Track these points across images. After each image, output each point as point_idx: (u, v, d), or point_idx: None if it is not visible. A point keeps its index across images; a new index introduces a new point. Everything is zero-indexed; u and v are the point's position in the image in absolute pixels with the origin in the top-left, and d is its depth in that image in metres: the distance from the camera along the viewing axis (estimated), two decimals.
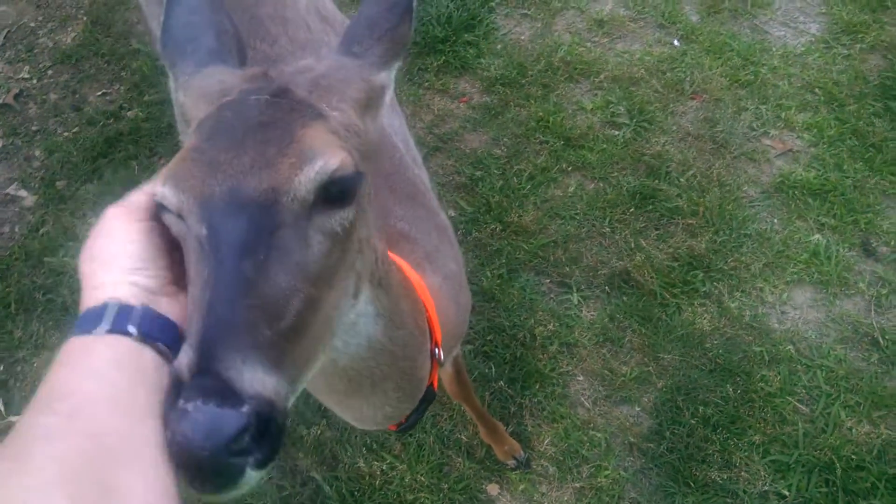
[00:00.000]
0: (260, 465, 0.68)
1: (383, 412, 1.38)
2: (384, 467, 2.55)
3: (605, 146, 3.30)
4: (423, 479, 2.52)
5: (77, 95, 3.76)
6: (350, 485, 2.52)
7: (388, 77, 1.06)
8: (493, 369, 2.72)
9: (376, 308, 1.11)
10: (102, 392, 0.71)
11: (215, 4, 1.13)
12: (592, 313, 2.85)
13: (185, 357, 0.72)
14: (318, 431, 2.64)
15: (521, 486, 2.50)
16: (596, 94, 3.53)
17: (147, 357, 0.77)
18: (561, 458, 2.54)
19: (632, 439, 2.57)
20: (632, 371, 2.69)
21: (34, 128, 3.66)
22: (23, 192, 3.44)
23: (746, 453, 2.50)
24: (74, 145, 3.54)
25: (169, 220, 0.86)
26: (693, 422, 2.57)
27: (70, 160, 3.49)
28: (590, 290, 2.91)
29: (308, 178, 0.82)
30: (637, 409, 2.64)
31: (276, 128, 0.86)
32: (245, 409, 0.67)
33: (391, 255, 1.28)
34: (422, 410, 1.52)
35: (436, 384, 1.52)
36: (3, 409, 2.85)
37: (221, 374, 0.68)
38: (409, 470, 2.54)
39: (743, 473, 2.47)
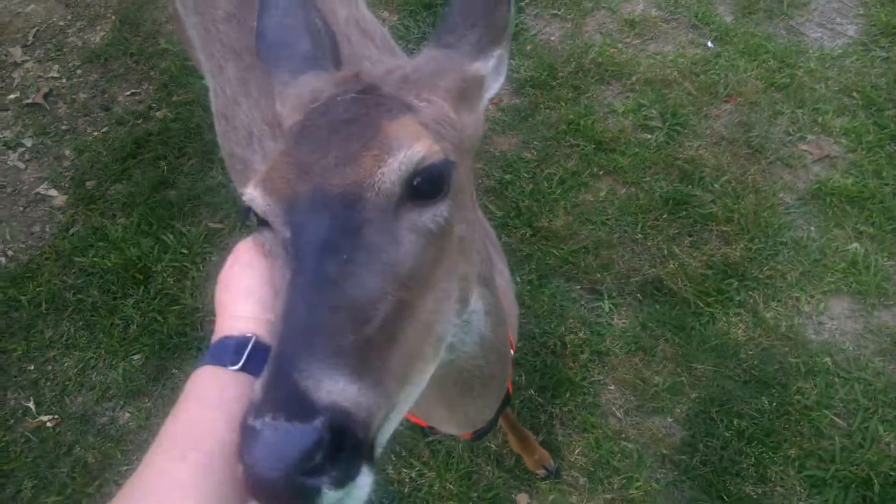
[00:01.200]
0: (338, 484, 0.61)
1: (483, 414, 1.38)
2: (413, 474, 2.54)
3: (637, 150, 3.25)
4: (451, 486, 2.50)
5: (106, 95, 3.77)
6: (378, 491, 2.51)
7: (485, 66, 1.01)
8: (523, 377, 2.69)
9: (484, 306, 1.08)
10: (233, 438, 0.68)
11: (308, 4, 1.12)
12: (624, 321, 2.81)
13: (265, 371, 0.67)
14: None
15: (551, 497, 2.47)
16: (628, 97, 3.48)
17: None
18: (592, 469, 2.51)
19: (664, 451, 2.53)
20: (664, 381, 2.65)
21: (64, 127, 3.67)
22: (53, 192, 3.45)
23: (782, 467, 2.45)
24: (104, 145, 3.55)
25: (262, 237, 0.84)
26: (727, 434, 2.52)
27: (99, 160, 3.50)
28: (621, 297, 2.87)
29: (392, 168, 0.79)
30: (670, 420, 2.60)
31: (361, 123, 0.84)
32: (318, 421, 0.61)
33: None
34: (497, 416, 1.51)
35: (511, 388, 1.51)
36: (34, 408, 2.87)
37: (298, 382, 0.63)
38: (437, 477, 2.52)
39: (778, 488, 2.42)
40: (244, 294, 0.83)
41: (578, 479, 2.50)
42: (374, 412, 0.67)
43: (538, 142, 3.34)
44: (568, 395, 2.65)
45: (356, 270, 0.73)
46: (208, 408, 0.72)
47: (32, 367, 2.96)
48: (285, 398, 0.63)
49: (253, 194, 0.83)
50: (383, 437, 0.72)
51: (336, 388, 0.64)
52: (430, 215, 0.82)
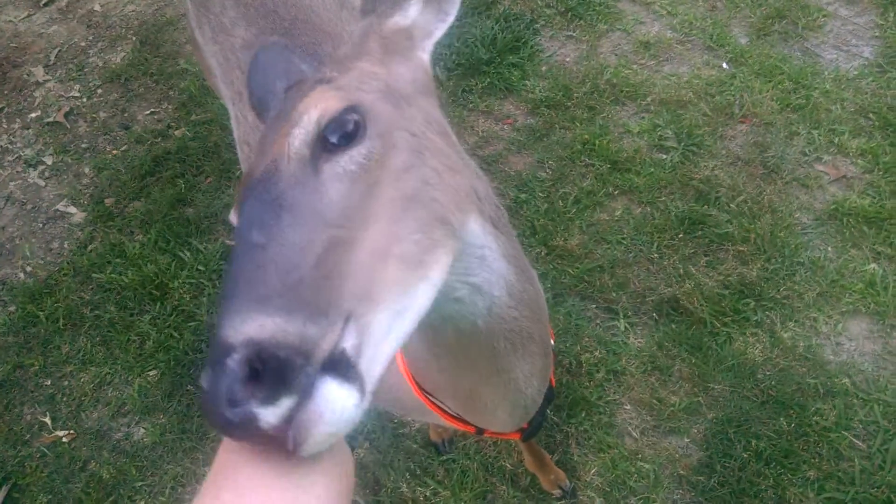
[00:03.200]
0: (267, 400, 0.66)
1: (531, 388, 1.38)
2: (427, 493, 2.52)
3: (652, 170, 3.25)
4: None
5: (126, 114, 3.82)
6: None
7: (403, 18, 1.07)
8: None
9: (499, 248, 1.09)
10: None
11: (290, 58, 1.22)
12: (640, 341, 2.80)
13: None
14: (361, 454, 2.62)
15: None
16: (643, 117, 3.49)
17: None
18: (608, 489, 2.49)
19: (681, 472, 2.51)
20: (681, 401, 2.63)
21: (84, 145, 3.72)
22: (72, 209, 3.49)
23: (801, 489, 2.42)
24: (123, 163, 3.59)
25: None
26: (745, 455, 2.50)
27: (118, 178, 3.54)
28: (637, 316, 2.86)
29: (296, 136, 0.85)
30: (686, 440, 2.58)
31: (283, 115, 0.92)
32: (229, 359, 0.66)
33: None
34: (544, 411, 1.52)
35: (553, 381, 1.50)
36: (50, 423, 2.88)
37: (219, 336, 0.69)
38: (452, 496, 2.50)
39: None
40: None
41: (594, 499, 2.48)
42: (315, 335, 0.71)
43: (553, 161, 3.35)
44: (584, 415, 2.64)
45: (280, 230, 0.78)
46: None
47: (49, 383, 2.98)
48: (210, 355, 0.69)
49: (231, 218, 0.92)
50: (370, 351, 0.75)
51: (251, 327, 0.69)
52: (347, 158, 0.86)
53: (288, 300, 0.72)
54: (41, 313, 3.13)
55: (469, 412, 1.46)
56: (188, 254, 3.19)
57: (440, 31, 1.09)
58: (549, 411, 2.63)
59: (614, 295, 2.92)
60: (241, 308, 0.70)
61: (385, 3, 1.07)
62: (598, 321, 2.87)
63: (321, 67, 1.05)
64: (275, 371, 0.67)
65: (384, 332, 0.79)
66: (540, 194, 3.23)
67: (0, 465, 2.79)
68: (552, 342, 1.45)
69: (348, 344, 0.73)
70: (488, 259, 1.07)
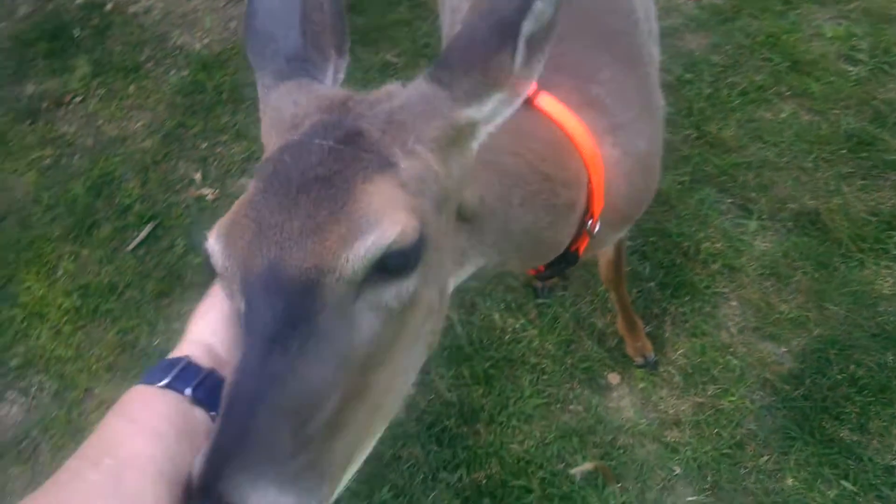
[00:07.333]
0: None
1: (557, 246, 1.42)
2: (517, 326, 2.64)
3: (833, 79, 3.04)
4: (550, 347, 2.58)
5: None
6: (481, 333, 2.63)
7: (479, 112, 0.89)
8: (648, 270, 2.70)
9: (479, 258, 1.09)
10: (149, 450, 0.69)
11: None
12: (766, 244, 2.73)
13: (198, 463, 0.66)
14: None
15: (642, 385, 2.51)
16: (840, 23, 3.23)
17: (198, 418, 0.75)
18: (690, 372, 2.52)
19: (768, 375, 2.49)
20: (790, 311, 2.58)
21: None
22: None
23: (886, 424, 2.36)
24: None
25: (220, 284, 0.82)
26: (839, 377, 2.45)
27: None
28: (771, 221, 2.78)
29: (357, 255, 0.72)
30: (783, 349, 2.54)
31: (334, 184, 0.75)
32: None
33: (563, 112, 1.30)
34: (559, 269, 1.51)
35: (581, 251, 1.48)
36: (199, 180, 3.16)
37: (223, 497, 0.62)
38: (539, 336, 2.61)
39: (875, 442, 2.35)
40: (198, 319, 0.84)
41: (674, 376, 2.52)
42: None
43: (730, 48, 3.19)
44: (687, 298, 2.64)
45: (305, 364, 0.68)
46: (128, 421, 0.72)
47: (205, 146, 3.25)
48: (199, 489, 0.64)
49: (214, 248, 0.78)
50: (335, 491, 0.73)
51: (255, 500, 0.63)
52: (394, 293, 0.76)
53: (300, 467, 0.66)
54: (209, 83, 3.37)
55: None
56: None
57: (504, 117, 0.92)
58: (652, 285, 2.65)
59: (754, 195, 2.83)
60: (252, 467, 0.63)
61: (465, 88, 0.87)
62: (729, 215, 2.81)
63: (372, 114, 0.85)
64: None
65: (338, 489, 0.74)
66: (707, 78, 3.11)
67: (151, 205, 3.12)
68: (591, 222, 1.39)
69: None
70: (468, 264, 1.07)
